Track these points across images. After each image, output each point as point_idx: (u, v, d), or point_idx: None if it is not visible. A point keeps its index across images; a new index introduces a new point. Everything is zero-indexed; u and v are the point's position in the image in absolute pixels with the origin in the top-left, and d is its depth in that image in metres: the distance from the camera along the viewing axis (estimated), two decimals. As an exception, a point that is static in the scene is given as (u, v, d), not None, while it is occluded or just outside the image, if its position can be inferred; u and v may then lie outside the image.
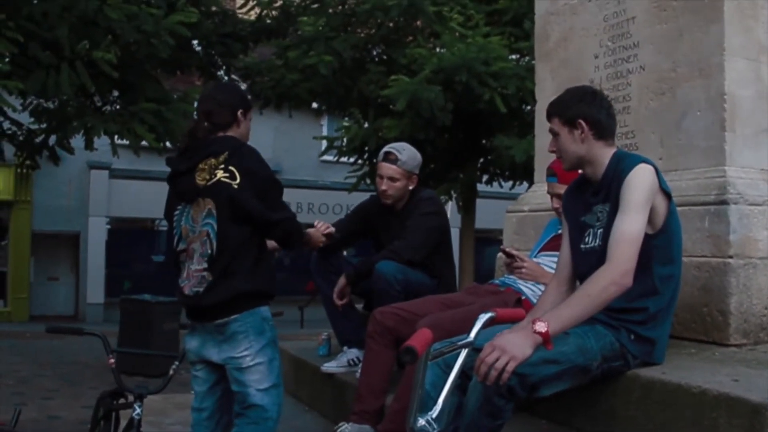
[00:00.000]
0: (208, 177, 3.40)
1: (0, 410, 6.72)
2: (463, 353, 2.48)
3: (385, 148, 4.83)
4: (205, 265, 3.40)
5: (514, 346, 2.71)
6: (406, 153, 4.76)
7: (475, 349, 2.63)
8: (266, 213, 3.42)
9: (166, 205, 3.64)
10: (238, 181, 3.37)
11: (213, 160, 3.42)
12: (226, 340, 3.44)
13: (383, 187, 4.73)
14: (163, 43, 10.51)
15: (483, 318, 2.53)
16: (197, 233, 3.43)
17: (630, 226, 3.01)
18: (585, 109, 3.23)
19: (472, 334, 2.49)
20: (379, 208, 4.93)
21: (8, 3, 9.79)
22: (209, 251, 3.38)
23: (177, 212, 3.54)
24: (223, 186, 3.37)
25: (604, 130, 3.25)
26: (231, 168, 3.38)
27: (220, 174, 3.38)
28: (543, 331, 2.77)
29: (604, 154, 3.24)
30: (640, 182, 3.07)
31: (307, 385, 5.26)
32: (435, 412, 2.33)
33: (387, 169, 4.72)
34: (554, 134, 3.30)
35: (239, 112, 3.57)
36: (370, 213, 5.03)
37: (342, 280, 4.69)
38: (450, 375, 2.44)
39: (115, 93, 12.22)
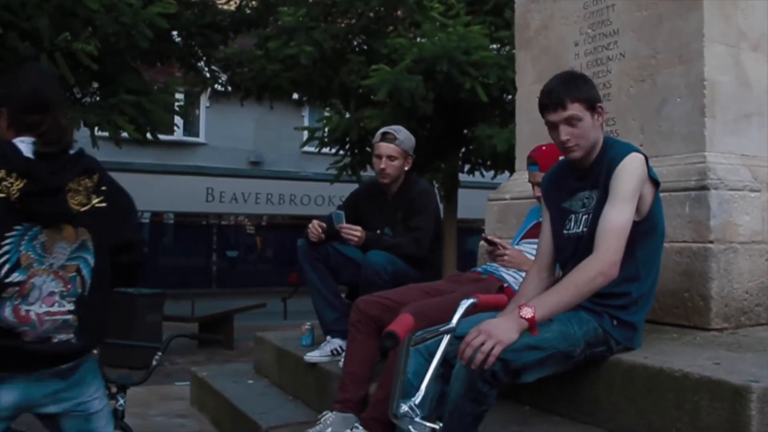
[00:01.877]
0: (84, 201, 2.80)
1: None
2: (446, 339, 2.48)
3: (382, 129, 5.00)
4: (71, 307, 2.76)
5: (500, 331, 2.72)
6: (403, 133, 4.93)
7: (457, 336, 2.64)
8: (136, 234, 3.04)
9: None
10: (107, 206, 2.84)
11: (87, 181, 2.83)
12: (72, 385, 2.84)
13: (382, 166, 4.86)
14: (141, 34, 10.42)
15: (465, 304, 2.53)
16: (54, 267, 2.75)
17: (619, 217, 3.02)
18: (597, 93, 3.23)
19: (454, 320, 2.49)
20: (369, 193, 5.10)
21: (-16, -6, 9.71)
22: (79, 290, 2.78)
23: (13, 234, 2.71)
24: (101, 213, 2.83)
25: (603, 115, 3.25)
26: (103, 189, 2.85)
27: (95, 200, 2.82)
28: (529, 316, 2.77)
29: (600, 140, 3.25)
30: (631, 172, 3.08)
31: (291, 374, 5.25)
32: (418, 398, 2.33)
33: (386, 148, 4.86)
34: (575, 120, 3.14)
35: None
36: (360, 199, 5.14)
37: (359, 232, 4.68)
38: (432, 362, 2.44)
39: (95, 84, 12.12)
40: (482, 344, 2.68)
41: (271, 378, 5.64)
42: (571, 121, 3.14)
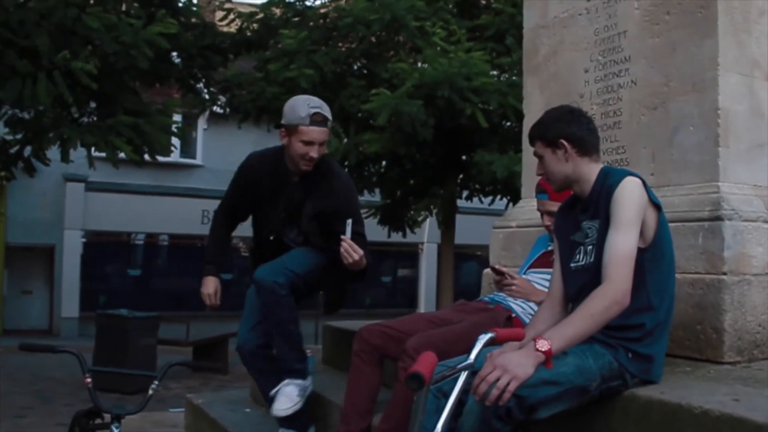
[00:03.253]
0: None
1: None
2: (463, 376, 2.39)
3: (311, 110, 4.11)
4: None
5: (516, 366, 2.63)
6: (326, 108, 4.22)
7: (475, 372, 2.54)
8: None
9: None
10: None
11: None
12: None
13: (313, 154, 4.12)
14: (142, 54, 10.38)
15: (483, 339, 2.44)
16: None
17: (623, 244, 2.96)
18: (565, 128, 3.21)
19: (473, 356, 2.40)
20: (271, 169, 4.35)
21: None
22: None
23: None
24: None
25: (586, 146, 3.22)
26: None
27: None
28: (545, 349, 2.69)
29: (590, 171, 3.21)
30: (629, 197, 3.02)
31: (290, 403, 5.13)
32: (434, 436, 2.24)
33: (319, 133, 4.11)
34: (539, 157, 3.29)
35: None
36: (263, 176, 4.37)
37: (360, 256, 4.02)
38: (449, 398, 2.35)
39: (93, 104, 12.07)
40: (497, 379, 2.59)
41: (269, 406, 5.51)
42: (539, 157, 3.29)
